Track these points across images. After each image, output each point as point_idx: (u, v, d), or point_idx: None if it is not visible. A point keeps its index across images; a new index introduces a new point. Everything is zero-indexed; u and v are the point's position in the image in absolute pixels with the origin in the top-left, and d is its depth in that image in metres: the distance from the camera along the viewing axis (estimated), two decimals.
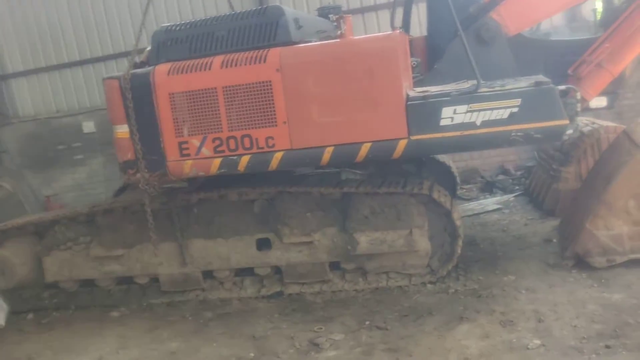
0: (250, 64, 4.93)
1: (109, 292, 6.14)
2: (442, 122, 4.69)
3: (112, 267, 5.96)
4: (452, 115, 4.67)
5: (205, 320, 5.25)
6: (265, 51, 4.97)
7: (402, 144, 4.77)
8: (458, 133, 4.67)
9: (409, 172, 6.71)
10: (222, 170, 5.08)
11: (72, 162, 10.44)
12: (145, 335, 5.11)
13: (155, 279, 5.98)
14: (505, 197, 8.16)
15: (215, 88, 4.97)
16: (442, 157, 7.35)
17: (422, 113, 4.73)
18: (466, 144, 4.76)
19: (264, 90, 4.90)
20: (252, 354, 4.45)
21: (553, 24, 8.88)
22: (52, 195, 10.32)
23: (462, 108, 4.65)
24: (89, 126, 10.33)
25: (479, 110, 4.62)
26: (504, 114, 4.61)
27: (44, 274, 6.10)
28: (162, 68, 5.16)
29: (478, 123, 4.63)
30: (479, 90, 4.68)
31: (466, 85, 4.91)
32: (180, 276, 5.84)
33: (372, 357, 4.11)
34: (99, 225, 5.94)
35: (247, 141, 4.99)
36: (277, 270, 5.76)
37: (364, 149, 4.82)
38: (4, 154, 10.05)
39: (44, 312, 6.11)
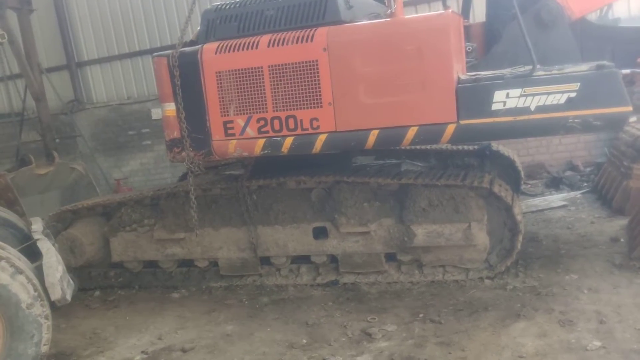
0: (296, 43, 4.90)
1: (170, 273, 6.35)
2: (494, 107, 4.52)
3: (174, 249, 6.15)
4: (504, 99, 4.49)
5: (261, 305, 5.35)
6: (313, 30, 4.92)
7: (450, 128, 4.63)
8: (510, 118, 4.49)
9: (471, 165, 6.61)
10: (266, 152, 5.09)
11: (140, 147, 10.82)
12: (202, 317, 5.26)
13: (214, 263, 6.14)
14: (572, 193, 7.88)
15: (262, 67, 4.98)
16: (507, 151, 7.17)
17: (472, 96, 4.58)
18: (519, 130, 4.56)
19: (310, 70, 4.87)
20: (304, 340, 4.50)
21: (631, 13, 8.46)
22: (121, 179, 10.74)
23: (515, 92, 4.46)
24: (157, 113, 10.64)
25: (534, 95, 4.43)
26: (561, 99, 4.39)
27: (110, 254, 6.37)
28: (210, 46, 5.21)
29: (532, 108, 4.44)
30: (534, 74, 4.48)
31: (522, 69, 4.74)
32: (239, 261, 5.96)
33: (424, 349, 4.08)
34: (162, 208, 6.14)
35: (291, 122, 4.98)
36: (333, 259, 5.78)
37: (411, 133, 4.71)
38: (79, 138, 10.52)
39: (110, 290, 6.40)
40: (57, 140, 9.69)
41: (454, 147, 6.78)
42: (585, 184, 8.18)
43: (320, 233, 5.74)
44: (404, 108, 4.72)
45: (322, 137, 4.93)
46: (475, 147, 6.80)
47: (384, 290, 5.39)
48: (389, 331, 4.46)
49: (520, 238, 5.20)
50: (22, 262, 3.91)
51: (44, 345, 3.79)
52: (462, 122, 4.60)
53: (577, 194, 7.81)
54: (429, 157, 6.96)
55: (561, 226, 6.52)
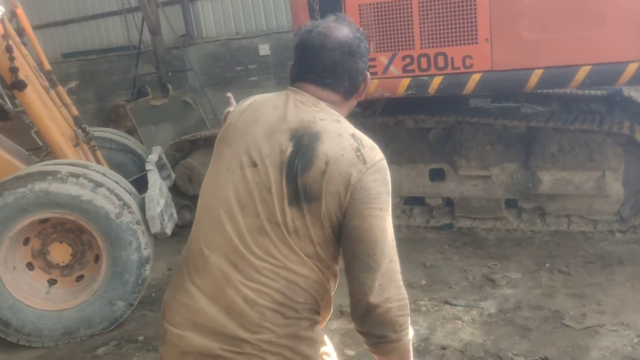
0: None
1: None
2: None
3: None
4: None
5: None
6: None
7: (632, 67, 4.14)
8: None
9: (598, 112, 6.12)
10: (411, 92, 4.79)
11: (247, 83, 10.88)
12: None
13: None
14: None
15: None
16: None
17: None
18: None
19: (466, 1, 4.48)
20: (423, 281, 4.43)
21: None
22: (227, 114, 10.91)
23: None
24: (264, 49, 10.64)
25: None
26: None
27: None
28: None
29: None
30: None
31: None
32: None
33: (555, 300, 3.90)
34: None
35: (441, 60, 4.64)
36: (448, 202, 5.62)
37: (582, 73, 4.26)
38: (189, 72, 10.73)
39: None
40: (170, 73, 9.92)
41: (579, 92, 6.30)
42: None
43: (436, 175, 5.57)
44: (576, 44, 4.26)
45: (475, 77, 4.56)
46: (604, 92, 6.29)
47: (503, 237, 5.19)
48: (513, 278, 4.30)
49: None
50: (111, 180, 3.96)
51: (145, 249, 3.88)
52: None
53: None
54: (551, 101, 6.50)
55: None
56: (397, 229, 5.55)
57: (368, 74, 1.67)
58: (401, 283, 1.51)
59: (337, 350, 3.46)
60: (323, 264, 1.53)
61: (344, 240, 1.49)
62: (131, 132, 8.12)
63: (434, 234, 5.44)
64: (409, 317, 1.51)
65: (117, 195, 3.82)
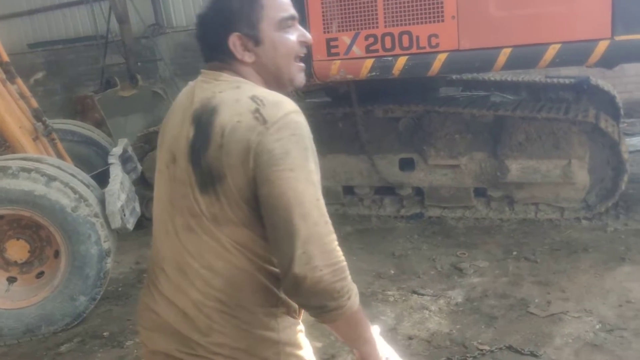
0: None
1: None
2: None
3: None
4: None
5: (344, 234, 5.29)
6: None
7: (602, 46, 4.05)
8: None
9: (566, 100, 6.17)
10: (374, 74, 4.60)
11: None
12: None
13: None
14: None
15: None
16: (607, 85, 6.66)
17: (635, 6, 3.97)
18: None
19: None
20: (392, 271, 4.43)
21: None
22: None
23: None
24: None
25: None
26: None
27: None
28: None
29: None
30: None
31: None
32: (322, 189, 5.87)
33: (521, 288, 3.92)
34: None
35: (405, 39, 4.44)
36: (419, 191, 5.62)
37: (551, 52, 4.15)
38: (159, 62, 10.58)
39: None
40: (139, 63, 9.75)
41: (548, 80, 6.34)
42: None
43: (406, 164, 5.57)
44: (545, 21, 4.14)
45: (441, 57, 4.40)
46: (572, 80, 6.35)
47: (472, 225, 5.21)
48: (480, 267, 4.32)
49: (626, 178, 4.86)
50: (66, 173, 3.86)
51: (105, 242, 3.80)
52: (618, 38, 4.03)
53: None
54: (520, 89, 6.54)
55: None
56: (368, 219, 5.61)
57: (235, 33, 1.43)
58: (333, 246, 1.32)
59: None
60: (260, 247, 1.40)
61: (262, 212, 1.34)
62: (99, 124, 7.97)
63: (404, 224, 5.44)
64: (348, 280, 1.34)
65: (72, 189, 3.72)
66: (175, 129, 1.46)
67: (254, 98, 1.36)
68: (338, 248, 1.34)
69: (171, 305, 1.44)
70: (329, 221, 1.35)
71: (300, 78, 1.53)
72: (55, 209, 3.66)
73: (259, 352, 1.41)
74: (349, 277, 1.35)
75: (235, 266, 1.38)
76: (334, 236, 1.34)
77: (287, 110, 1.35)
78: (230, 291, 1.39)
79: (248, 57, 1.46)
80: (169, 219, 1.46)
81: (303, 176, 1.31)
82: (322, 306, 1.32)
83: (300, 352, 1.49)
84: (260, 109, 1.33)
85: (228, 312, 1.39)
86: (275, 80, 1.50)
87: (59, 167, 3.80)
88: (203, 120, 1.37)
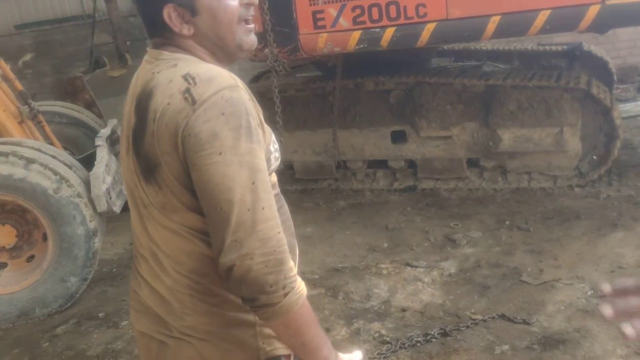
0: None
1: None
2: None
3: None
4: None
5: (338, 208, 5.29)
6: None
7: (592, 10, 3.99)
8: None
9: (559, 67, 6.13)
10: (362, 46, 4.54)
11: None
12: None
13: (289, 166, 6.07)
14: None
15: None
16: (599, 51, 6.60)
17: None
18: None
19: None
20: (385, 244, 4.43)
21: None
22: None
23: None
24: None
25: None
26: None
27: None
28: None
29: None
30: None
31: None
32: (314, 165, 5.86)
33: (513, 257, 3.93)
34: None
35: (392, 10, 4.37)
36: (411, 164, 5.60)
37: (541, 19, 4.08)
38: (148, 41, 10.46)
39: None
40: (128, 42, 9.63)
41: (540, 48, 6.28)
42: None
43: (398, 137, 5.54)
44: None
45: (429, 27, 4.34)
46: (564, 47, 6.29)
47: (465, 196, 5.21)
48: (473, 237, 4.32)
49: (618, 144, 4.85)
50: (46, 155, 3.82)
51: (91, 222, 3.78)
52: (609, 2, 3.96)
53: None
54: (512, 58, 6.48)
55: None
56: (361, 193, 5.59)
57: (169, 4, 1.32)
58: (270, 234, 1.22)
59: None
60: None
61: (198, 198, 1.26)
62: (90, 105, 7.88)
63: (397, 197, 5.43)
64: (285, 274, 1.23)
65: (52, 170, 3.68)
66: (126, 116, 1.39)
67: (186, 77, 1.26)
68: (279, 237, 1.24)
69: (152, 289, 1.42)
70: (270, 206, 1.25)
71: (249, 41, 1.41)
72: (36, 191, 3.62)
73: (234, 334, 1.36)
74: (290, 272, 1.25)
75: (194, 252, 1.33)
76: (273, 223, 1.24)
77: (219, 87, 1.24)
78: (196, 277, 1.34)
79: (187, 30, 1.35)
80: (132, 206, 1.43)
81: (234, 159, 1.21)
82: (252, 299, 1.24)
83: None
84: (190, 89, 1.24)
85: (199, 297, 1.35)
86: (221, 50, 1.40)
87: (38, 150, 3.76)
88: (142, 106, 1.30)
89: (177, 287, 1.36)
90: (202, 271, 1.34)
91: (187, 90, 1.24)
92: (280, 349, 1.39)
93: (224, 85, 1.25)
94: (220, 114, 1.22)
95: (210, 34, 1.37)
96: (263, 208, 1.23)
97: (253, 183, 1.22)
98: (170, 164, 1.26)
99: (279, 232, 1.24)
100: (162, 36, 1.37)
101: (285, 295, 1.24)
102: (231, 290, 1.31)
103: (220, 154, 1.20)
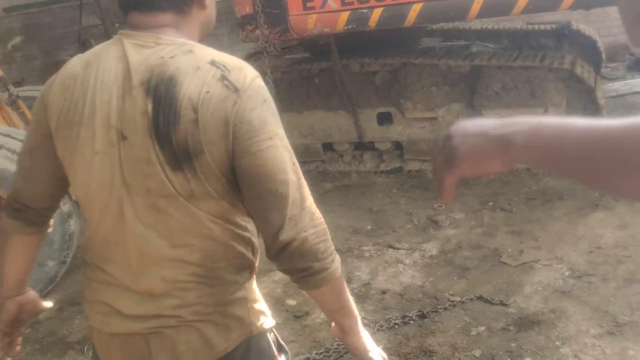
0: None
1: None
2: None
3: None
4: None
5: (324, 191, 5.29)
6: None
7: None
8: None
9: (548, 47, 6.10)
10: (350, 27, 4.54)
11: None
12: None
13: None
14: None
15: None
16: (588, 30, 6.56)
17: None
18: None
19: None
20: (369, 227, 4.45)
21: None
22: None
23: None
24: None
25: None
26: None
27: None
28: None
29: None
30: None
31: None
32: (301, 147, 5.85)
33: (494, 238, 3.95)
34: None
35: None
36: (398, 145, 5.60)
37: None
38: None
39: None
40: (117, 24, 9.55)
41: (529, 27, 6.25)
42: None
43: (384, 119, 5.53)
44: None
45: (416, 7, 4.33)
46: (553, 26, 6.25)
47: None
48: (456, 219, 4.34)
49: None
50: (16, 140, 3.77)
51: (64, 204, 3.74)
52: None
53: None
54: (501, 38, 6.45)
55: None
56: (348, 175, 5.60)
57: None
58: (313, 208, 1.34)
59: (278, 301, 3.49)
60: (233, 214, 1.36)
61: (242, 183, 1.30)
62: None
63: (383, 178, 5.44)
64: (330, 242, 1.36)
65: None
66: (118, 102, 1.30)
67: (214, 63, 1.28)
68: (318, 210, 1.37)
69: (128, 290, 1.38)
70: (306, 183, 1.36)
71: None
72: (5, 177, 3.57)
73: (232, 311, 1.40)
74: (331, 240, 1.38)
75: (211, 238, 1.34)
76: (311, 199, 1.37)
77: (252, 74, 1.31)
78: (207, 263, 1.35)
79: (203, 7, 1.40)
80: (120, 202, 1.34)
81: (280, 143, 1.30)
82: (307, 268, 1.33)
83: (261, 306, 1.49)
84: (227, 76, 1.27)
85: (205, 283, 1.36)
86: (207, 32, 1.45)
87: (7, 135, 3.72)
88: (162, 93, 1.26)
89: (178, 276, 1.35)
90: (215, 257, 1.36)
91: (225, 78, 1.27)
92: (267, 323, 1.46)
93: (254, 73, 1.32)
94: (262, 100, 1.29)
95: (209, 19, 1.43)
96: (304, 186, 1.34)
97: (294, 164, 1.33)
98: (214, 152, 1.26)
99: (316, 206, 1.37)
100: (157, 9, 1.33)
101: (333, 260, 1.36)
102: (281, 265, 1.37)
103: (271, 138, 1.28)
